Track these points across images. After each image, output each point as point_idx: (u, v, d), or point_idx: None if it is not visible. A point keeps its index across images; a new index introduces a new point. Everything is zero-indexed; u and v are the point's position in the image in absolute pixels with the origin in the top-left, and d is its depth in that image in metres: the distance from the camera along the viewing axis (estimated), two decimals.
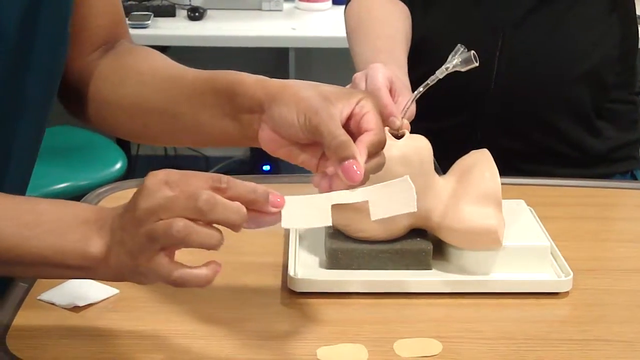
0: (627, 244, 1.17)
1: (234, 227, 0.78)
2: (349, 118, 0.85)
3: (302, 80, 0.89)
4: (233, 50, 3.22)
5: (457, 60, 1.08)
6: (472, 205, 1.03)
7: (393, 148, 1.02)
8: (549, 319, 0.99)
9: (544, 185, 1.32)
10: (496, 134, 1.41)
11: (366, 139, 0.83)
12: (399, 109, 1.07)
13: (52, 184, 2.35)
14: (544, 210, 1.16)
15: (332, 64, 3.39)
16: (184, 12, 2.92)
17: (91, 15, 1.03)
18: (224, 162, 3.58)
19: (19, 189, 1.02)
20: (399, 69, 1.20)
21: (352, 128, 0.84)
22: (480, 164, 1.06)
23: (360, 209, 1.01)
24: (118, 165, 2.51)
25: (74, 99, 1.04)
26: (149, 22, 2.79)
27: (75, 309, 0.98)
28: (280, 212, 0.79)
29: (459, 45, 1.09)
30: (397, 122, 1.05)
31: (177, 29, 2.84)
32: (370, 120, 0.84)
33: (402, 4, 1.41)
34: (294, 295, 1.01)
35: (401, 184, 0.81)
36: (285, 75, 3.42)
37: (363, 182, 0.81)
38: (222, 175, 0.78)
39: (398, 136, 1.05)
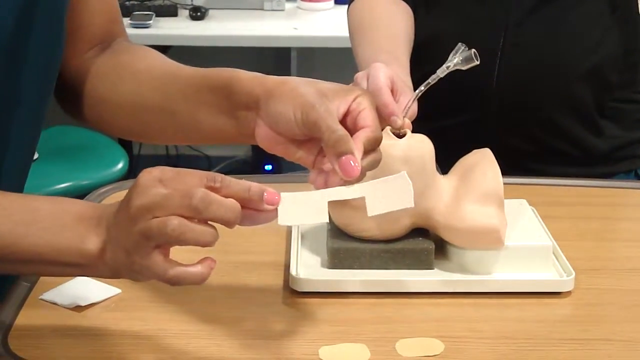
0: (630, 243, 1.17)
1: (229, 224, 0.78)
2: (346, 115, 0.84)
3: (299, 77, 0.89)
4: (235, 50, 3.21)
5: (458, 59, 1.08)
6: (474, 204, 1.02)
7: (395, 147, 1.02)
8: (551, 318, 0.99)
9: (546, 185, 1.32)
10: (499, 133, 1.41)
11: (362, 135, 0.83)
12: (401, 108, 1.07)
13: (53, 183, 2.35)
14: (546, 210, 1.16)
15: (334, 63, 3.39)
16: (186, 12, 2.92)
17: (87, 13, 1.03)
18: (225, 161, 3.58)
19: (16, 188, 1.02)
20: (401, 69, 1.20)
21: (348, 125, 0.84)
22: (482, 163, 1.06)
23: (362, 208, 1.02)
24: (120, 165, 2.51)
25: (70, 97, 1.04)
26: (151, 21, 2.79)
27: (77, 308, 0.98)
28: (276, 209, 0.79)
29: (459, 43, 1.09)
30: (399, 122, 1.05)
31: (178, 28, 2.84)
32: (367, 117, 0.84)
33: (404, 3, 1.41)
34: (295, 294, 1.01)
35: (398, 180, 0.81)
36: (287, 75, 3.41)
37: (359, 179, 0.81)
38: (216, 173, 0.78)
39: (400, 135, 1.05)
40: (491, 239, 1.02)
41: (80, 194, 2.21)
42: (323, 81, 0.88)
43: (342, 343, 0.92)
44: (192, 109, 0.93)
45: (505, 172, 1.05)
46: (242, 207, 0.78)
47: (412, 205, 0.81)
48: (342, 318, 0.97)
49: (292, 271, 1.02)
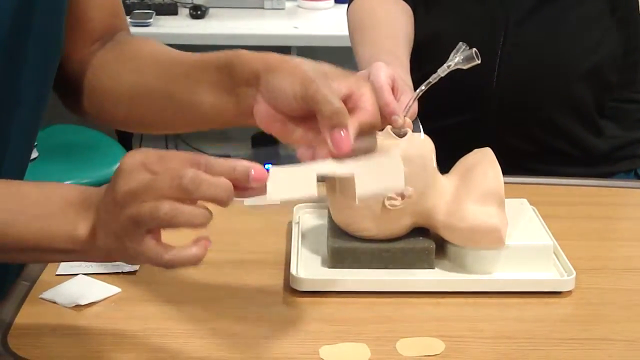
0: (630, 243, 1.17)
1: (222, 203, 0.76)
2: (346, 98, 0.84)
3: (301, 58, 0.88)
4: (235, 48, 3.21)
5: (459, 58, 1.08)
6: (475, 204, 1.02)
7: (396, 147, 1.02)
8: (552, 318, 0.99)
9: (547, 184, 1.32)
10: (498, 133, 1.41)
11: (360, 117, 0.82)
12: (401, 107, 1.07)
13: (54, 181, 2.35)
14: (546, 209, 1.16)
15: (334, 62, 3.39)
16: (186, 11, 2.92)
17: (88, 8, 1.02)
18: None
19: None
20: (402, 68, 1.20)
21: (348, 107, 0.83)
22: (483, 162, 1.06)
23: (362, 207, 1.02)
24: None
25: (71, 91, 1.03)
26: (151, 20, 2.79)
27: (77, 307, 0.98)
28: (264, 185, 0.78)
29: (460, 43, 1.08)
30: (400, 121, 1.05)
31: (179, 27, 2.84)
32: (367, 101, 0.84)
33: (404, 3, 1.41)
34: (296, 294, 1.01)
35: (390, 160, 0.80)
36: None
37: (349, 156, 0.80)
38: (199, 155, 0.77)
39: (400, 135, 1.05)
40: (492, 239, 1.02)
41: None
42: (326, 64, 0.87)
43: (342, 342, 0.92)
44: (193, 88, 0.92)
45: (504, 172, 1.05)
46: None
47: (402, 187, 0.79)
48: (343, 317, 0.97)
49: (293, 270, 1.02)
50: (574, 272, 1.02)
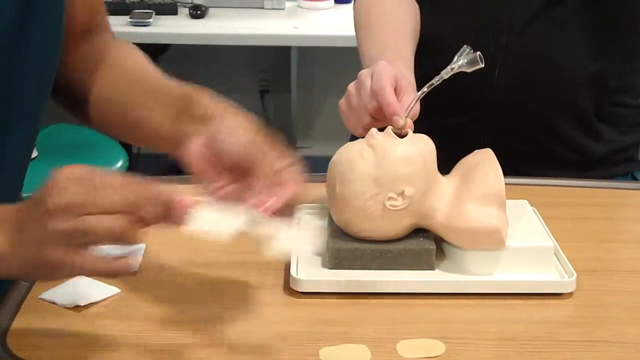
0: (631, 244, 1.17)
1: (156, 221, 0.81)
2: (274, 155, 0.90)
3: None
4: (235, 48, 3.21)
5: (463, 61, 1.07)
6: (476, 205, 1.02)
7: (396, 147, 1.02)
8: (553, 319, 0.98)
9: (547, 186, 1.32)
10: (497, 135, 1.40)
11: (289, 190, 0.88)
12: (403, 108, 1.07)
13: None
14: (547, 211, 1.15)
15: (334, 62, 3.39)
16: (186, 10, 2.92)
17: (69, 6, 1.02)
18: None
19: (14, 185, 1.02)
20: (405, 68, 1.19)
21: (275, 180, 0.89)
22: (484, 163, 1.05)
23: (362, 209, 1.01)
24: (119, 164, 2.51)
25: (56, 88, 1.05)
26: (151, 20, 2.79)
27: (77, 308, 0.97)
28: (187, 214, 0.82)
29: (465, 46, 1.08)
30: (401, 121, 1.05)
31: (178, 27, 2.83)
32: (295, 173, 0.89)
33: (411, 0, 1.40)
34: (296, 295, 1.01)
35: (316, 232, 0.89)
36: (287, 74, 3.42)
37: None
38: (135, 193, 0.79)
39: (401, 135, 1.04)
40: (492, 240, 1.02)
41: None
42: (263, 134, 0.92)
43: (342, 344, 0.92)
44: (150, 104, 0.98)
45: (503, 174, 1.04)
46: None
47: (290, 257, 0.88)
48: (343, 319, 0.97)
49: (293, 271, 1.02)
50: (575, 274, 1.02)
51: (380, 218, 1.02)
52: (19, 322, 0.95)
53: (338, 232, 1.05)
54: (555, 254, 1.06)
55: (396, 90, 1.08)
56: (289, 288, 1.01)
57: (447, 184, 1.05)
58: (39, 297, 0.99)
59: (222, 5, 2.99)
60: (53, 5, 0.97)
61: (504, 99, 1.39)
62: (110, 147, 2.60)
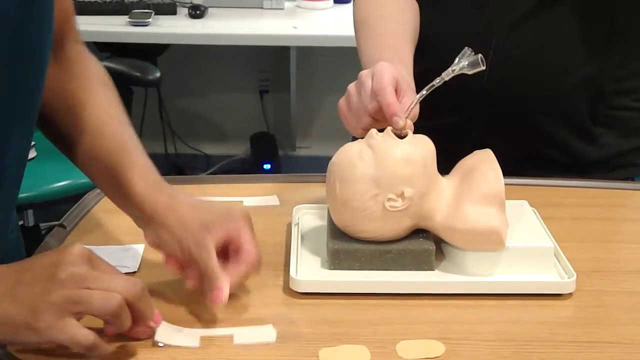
0: (631, 245, 1.17)
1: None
2: (226, 243, 0.97)
3: (187, 199, 1.00)
4: (234, 48, 3.21)
5: (464, 63, 1.07)
6: (476, 205, 1.02)
7: (396, 148, 1.02)
8: (553, 320, 0.98)
9: (547, 186, 1.32)
10: (489, 137, 1.37)
11: (237, 268, 0.96)
12: (403, 108, 1.06)
13: (52, 182, 2.35)
14: (547, 211, 1.15)
15: (333, 62, 3.39)
16: (185, 10, 2.92)
17: None
18: (224, 160, 3.58)
19: (13, 184, 1.02)
20: (404, 68, 1.19)
21: (231, 249, 0.97)
22: (483, 164, 1.05)
23: (361, 209, 1.01)
24: None
25: None
26: (150, 19, 2.79)
27: None
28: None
29: (466, 47, 1.08)
30: (401, 122, 1.05)
31: (178, 27, 2.83)
32: (246, 244, 0.97)
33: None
34: (295, 295, 1.00)
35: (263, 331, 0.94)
36: (286, 74, 3.42)
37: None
38: (137, 285, 0.87)
39: (401, 136, 1.04)
40: (492, 241, 1.02)
41: (78, 192, 2.21)
42: (209, 206, 1.00)
43: (342, 345, 0.92)
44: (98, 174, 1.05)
45: None
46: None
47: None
48: (342, 319, 0.97)
49: (292, 272, 1.01)
50: (575, 274, 1.02)
51: (379, 219, 1.02)
52: None
53: (337, 233, 1.05)
54: (555, 254, 1.06)
55: (396, 92, 1.08)
56: (289, 289, 1.01)
57: (446, 184, 1.05)
58: None
59: (222, 5, 2.99)
60: (47, 10, 0.97)
61: (492, 102, 1.37)
62: None
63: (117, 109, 1.08)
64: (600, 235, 1.19)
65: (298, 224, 1.14)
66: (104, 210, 1.22)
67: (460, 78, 1.10)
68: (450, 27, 1.38)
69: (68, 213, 1.20)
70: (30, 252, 1.04)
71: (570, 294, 1.02)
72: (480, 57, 1.06)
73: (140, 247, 1.10)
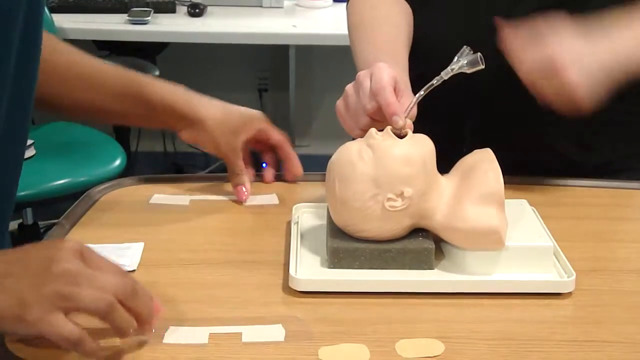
0: (631, 244, 1.17)
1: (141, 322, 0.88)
2: (254, 138, 1.24)
3: (217, 105, 1.21)
4: (233, 47, 3.21)
5: (463, 62, 1.07)
6: (475, 205, 1.02)
7: (396, 148, 1.02)
8: (552, 319, 0.98)
9: (547, 185, 1.32)
10: (483, 140, 1.35)
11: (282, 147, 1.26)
12: (403, 108, 1.06)
13: (51, 180, 2.35)
14: (546, 210, 1.15)
15: (332, 61, 3.39)
16: (184, 9, 2.92)
17: None
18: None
19: (10, 182, 1.02)
20: (400, 70, 1.18)
21: (259, 143, 1.27)
22: (483, 163, 1.05)
23: (361, 208, 1.01)
24: (117, 162, 2.51)
25: None
26: (149, 18, 2.79)
27: None
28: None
29: (464, 46, 1.07)
30: (401, 122, 1.05)
31: (177, 25, 2.83)
32: (272, 135, 1.27)
33: (405, 3, 1.39)
34: (295, 294, 1.00)
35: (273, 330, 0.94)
36: (285, 73, 3.42)
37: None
38: (129, 283, 0.86)
39: (400, 136, 1.04)
40: (492, 240, 1.02)
41: (77, 190, 2.21)
42: (235, 110, 1.23)
43: (341, 343, 0.92)
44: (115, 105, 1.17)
45: None
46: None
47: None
48: (342, 318, 0.97)
49: (292, 271, 1.01)
50: (574, 274, 1.02)
51: (379, 218, 1.02)
52: None
53: (337, 232, 1.05)
54: (554, 253, 1.06)
55: (395, 91, 1.08)
56: (288, 287, 1.01)
57: (446, 184, 1.05)
58: None
59: (221, 3, 2.99)
60: (39, 14, 0.98)
61: (485, 104, 1.36)
62: (108, 146, 2.60)
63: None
64: (600, 235, 1.19)
65: (297, 222, 1.14)
66: (103, 208, 1.22)
67: (456, 80, 1.09)
68: (441, 30, 1.37)
69: (67, 211, 1.20)
70: None
71: (570, 293, 1.02)
72: (480, 56, 1.06)
73: (139, 246, 1.10)
